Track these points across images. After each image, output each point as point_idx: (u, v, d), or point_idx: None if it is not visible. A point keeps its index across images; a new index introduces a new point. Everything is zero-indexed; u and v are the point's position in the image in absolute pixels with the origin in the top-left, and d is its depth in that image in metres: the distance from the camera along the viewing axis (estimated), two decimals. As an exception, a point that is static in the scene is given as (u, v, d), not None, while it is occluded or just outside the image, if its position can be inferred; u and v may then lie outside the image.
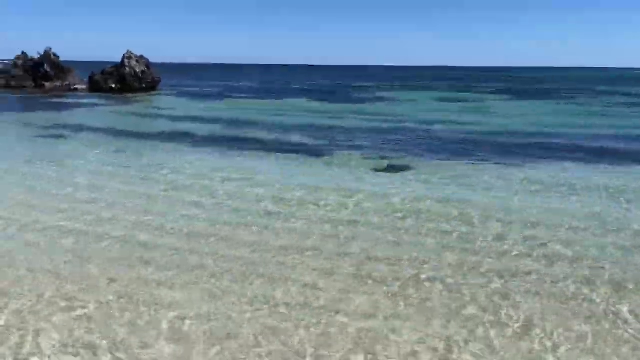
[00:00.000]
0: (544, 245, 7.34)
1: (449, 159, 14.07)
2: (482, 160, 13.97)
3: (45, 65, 44.03)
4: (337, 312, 5.33)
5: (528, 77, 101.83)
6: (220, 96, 41.28)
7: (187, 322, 5.11)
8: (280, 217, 8.56)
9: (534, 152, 15.54)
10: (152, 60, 45.15)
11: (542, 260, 6.78)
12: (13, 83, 43.64)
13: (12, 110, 26.85)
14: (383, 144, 16.95)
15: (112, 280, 6.05)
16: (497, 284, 6.07)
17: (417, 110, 29.35)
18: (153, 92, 42.14)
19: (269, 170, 12.51)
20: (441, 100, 38.81)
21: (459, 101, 37.37)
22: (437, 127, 21.59)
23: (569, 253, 7.02)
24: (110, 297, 5.60)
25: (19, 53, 46.15)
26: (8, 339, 4.75)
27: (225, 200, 9.62)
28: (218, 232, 7.82)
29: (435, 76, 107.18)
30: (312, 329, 5.00)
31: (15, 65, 45.56)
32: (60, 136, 17.80)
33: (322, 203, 9.41)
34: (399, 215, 8.74)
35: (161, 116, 25.23)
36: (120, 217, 8.51)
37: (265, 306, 5.45)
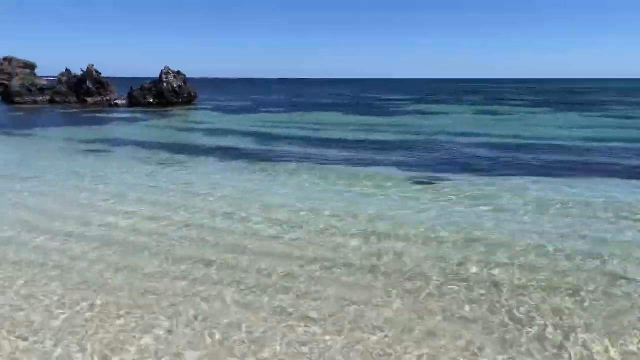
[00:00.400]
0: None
1: (481, 174, 13.99)
2: (515, 175, 13.83)
3: (88, 82, 45.87)
4: (367, 325, 5.47)
5: (563, 89, 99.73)
6: (252, 110, 42.05)
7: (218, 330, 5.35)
8: (311, 230, 8.74)
9: (568, 167, 15.27)
10: (188, 75, 46.52)
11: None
12: (57, 99, 45.62)
13: (57, 125, 28.06)
14: (415, 157, 17.00)
15: (147, 291, 6.35)
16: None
17: (450, 124, 29.19)
18: (189, 107, 43.30)
19: (300, 183, 12.71)
20: (474, 113, 38.51)
21: (493, 114, 37.00)
22: (469, 140, 21.49)
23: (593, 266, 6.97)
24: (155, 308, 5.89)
25: (63, 70, 48.36)
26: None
27: (258, 212, 9.87)
28: (251, 245, 8.06)
29: (468, 89, 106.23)
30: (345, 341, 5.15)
31: (59, 81, 47.65)
32: (102, 150, 18.53)
33: (352, 216, 9.57)
34: (426, 230, 8.80)
35: (198, 130, 25.93)
36: (157, 228, 8.87)
37: (293, 318, 5.63)
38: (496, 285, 6.43)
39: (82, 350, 4.93)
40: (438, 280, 6.58)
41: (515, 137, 22.58)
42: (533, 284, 6.45)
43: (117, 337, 5.17)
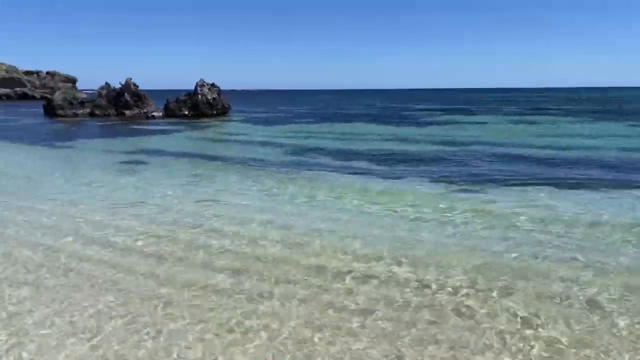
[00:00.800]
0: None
1: (520, 184, 13.71)
2: (556, 186, 13.50)
3: (126, 95, 47.22)
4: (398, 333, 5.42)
5: (602, 97, 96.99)
6: (285, 121, 42.40)
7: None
8: (348, 240, 8.75)
9: (607, 180, 14.80)
10: (221, 87, 47.43)
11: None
12: (97, 111, 47.11)
13: (97, 137, 29.02)
14: (451, 167, 16.80)
15: (192, 305, 6.46)
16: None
17: (486, 134, 28.80)
18: (223, 118, 44.01)
19: (338, 195, 12.72)
20: (511, 123, 37.84)
21: (530, 124, 36.25)
22: (507, 150, 21.14)
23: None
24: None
25: (103, 83, 50.00)
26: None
27: (295, 222, 9.94)
28: (287, 255, 8.11)
29: (500, 99, 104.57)
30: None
31: (99, 94, 49.23)
32: (140, 162, 19.03)
33: (390, 228, 9.52)
34: (464, 240, 8.68)
35: (231, 141, 26.34)
36: (200, 240, 9.03)
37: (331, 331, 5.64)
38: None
39: None
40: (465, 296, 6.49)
41: (551, 147, 22.06)
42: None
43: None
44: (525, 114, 47.96)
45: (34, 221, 10.29)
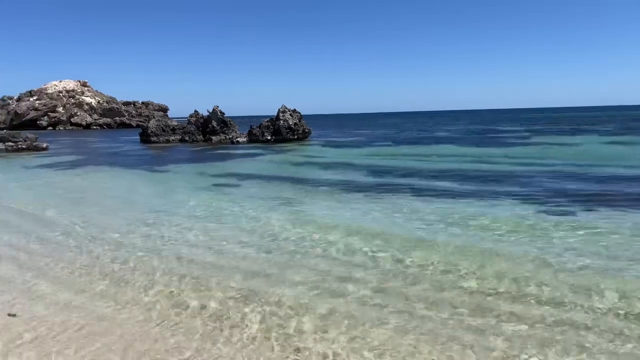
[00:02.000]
0: None
1: (619, 209, 12.91)
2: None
3: (213, 122, 49.92)
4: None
5: None
6: (364, 144, 42.72)
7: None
8: (438, 264, 8.73)
9: None
10: (302, 112, 48.82)
11: None
12: (187, 137, 50.14)
13: (188, 162, 30.85)
14: (539, 189, 16.14)
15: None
16: None
17: (576, 155, 27.34)
18: (304, 142, 45.14)
19: (421, 217, 12.68)
20: (603, 143, 35.62)
21: (629, 144, 33.90)
22: (600, 170, 19.94)
23: None
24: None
25: (192, 111, 53.28)
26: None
27: (382, 245, 10.04)
28: (370, 278, 8.22)
29: (590, 117, 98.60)
30: None
31: (189, 122, 52.46)
32: (230, 184, 19.97)
33: (464, 251, 9.37)
34: (552, 267, 8.34)
35: (314, 164, 26.95)
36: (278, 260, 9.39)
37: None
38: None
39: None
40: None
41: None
42: None
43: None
44: (621, 134, 44.88)
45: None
